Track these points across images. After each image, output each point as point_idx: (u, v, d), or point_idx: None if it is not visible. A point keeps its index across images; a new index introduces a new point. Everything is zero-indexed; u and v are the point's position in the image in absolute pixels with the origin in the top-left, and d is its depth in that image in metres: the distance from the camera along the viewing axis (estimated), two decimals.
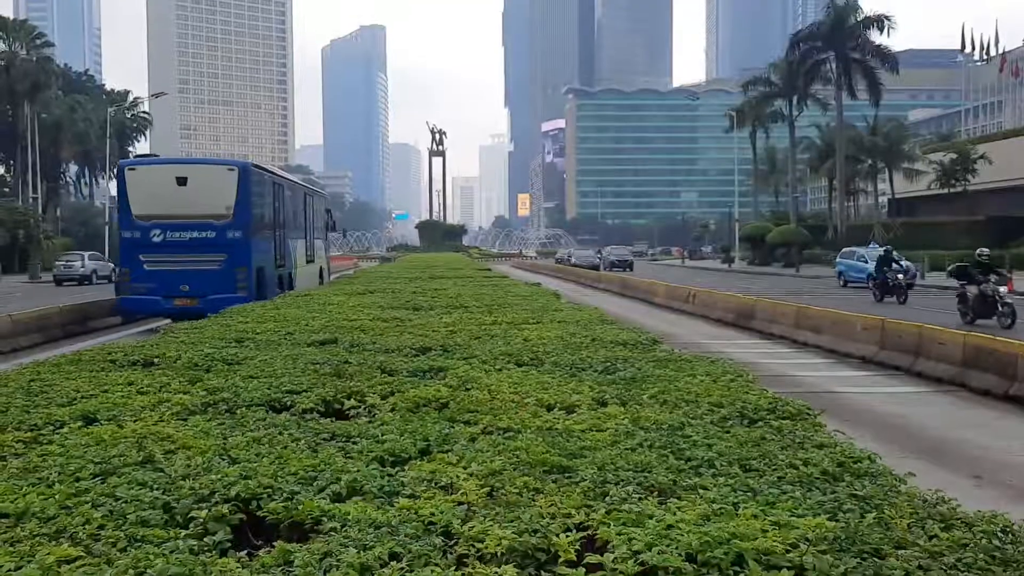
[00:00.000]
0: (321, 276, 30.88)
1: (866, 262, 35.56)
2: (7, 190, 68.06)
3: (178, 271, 20.01)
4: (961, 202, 55.87)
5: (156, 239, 20.21)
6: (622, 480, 3.73)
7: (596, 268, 50.98)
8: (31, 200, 62.15)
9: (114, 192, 36.46)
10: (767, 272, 56.72)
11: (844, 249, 41.39)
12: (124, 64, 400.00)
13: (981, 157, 55.77)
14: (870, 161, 65.37)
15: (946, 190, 57.45)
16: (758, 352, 16.35)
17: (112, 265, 41.12)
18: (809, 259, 59.38)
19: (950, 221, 53.94)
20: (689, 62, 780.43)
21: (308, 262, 28.57)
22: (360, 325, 10.73)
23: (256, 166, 23.34)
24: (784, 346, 17.37)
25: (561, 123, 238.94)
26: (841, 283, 38.59)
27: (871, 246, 39.39)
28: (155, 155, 32.60)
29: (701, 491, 3.57)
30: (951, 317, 19.87)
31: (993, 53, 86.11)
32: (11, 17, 72.18)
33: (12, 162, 69.52)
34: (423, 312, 12.97)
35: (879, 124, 66.61)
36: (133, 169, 22.14)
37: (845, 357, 15.26)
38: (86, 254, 48.17)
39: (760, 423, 5.03)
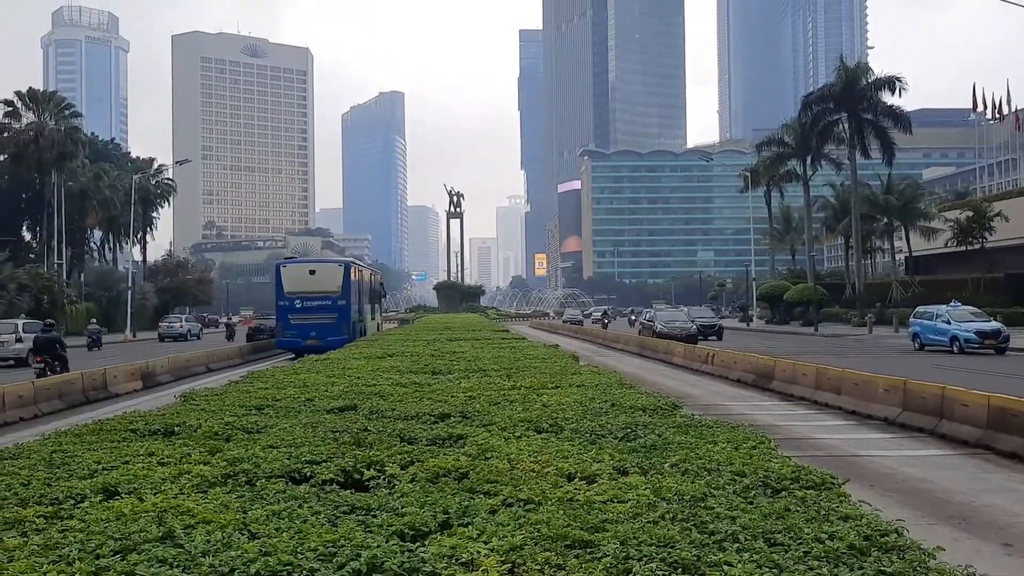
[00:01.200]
0: (378, 327, 45.19)
1: (948, 323, 32.73)
2: (33, 256, 69.03)
3: (309, 323, 33.37)
4: (979, 260, 55.54)
5: (297, 306, 33.92)
6: (645, 556, 3.68)
7: (693, 340, 36.34)
8: (56, 266, 63.00)
9: (137, 257, 65.07)
10: (786, 331, 56.38)
11: (919, 308, 37.36)
12: (149, 132, 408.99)
13: (998, 215, 55.59)
14: (885, 220, 65.34)
15: (963, 248, 57.16)
16: (779, 414, 16.17)
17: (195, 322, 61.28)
18: (827, 317, 59.07)
19: (969, 279, 53.59)
20: (702, 123, 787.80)
21: (372, 317, 42.86)
22: (379, 390, 10.74)
23: (352, 263, 38.74)
24: (805, 407, 17.17)
25: (577, 184, 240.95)
26: (916, 346, 34.98)
27: (953, 304, 35.44)
28: (293, 256, 53.22)
29: (726, 567, 3.52)
30: None
31: (1005, 111, 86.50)
32: (41, 89, 74.05)
33: (39, 228, 70.68)
34: (442, 376, 12.97)
35: (893, 183, 66.71)
36: (284, 266, 36.24)
37: (867, 418, 15.06)
38: (183, 316, 61.09)
39: (784, 493, 4.95)
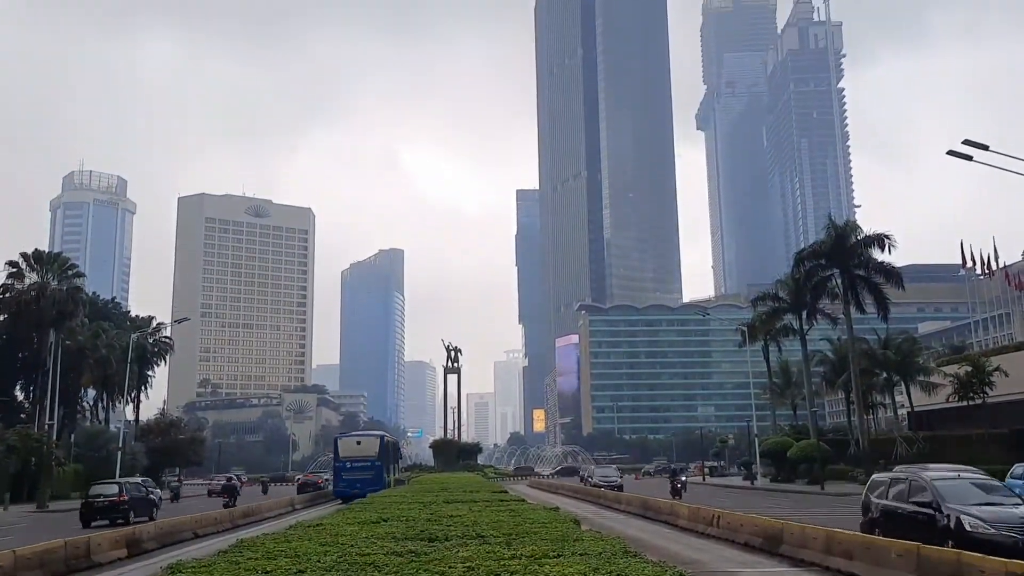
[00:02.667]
0: (399, 481, 53.94)
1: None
2: (24, 416, 68.23)
3: (356, 478, 46.53)
4: (982, 415, 55.02)
5: (348, 466, 48.80)
6: None
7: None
8: (47, 426, 62.17)
9: (129, 416, 72.98)
10: (792, 490, 55.15)
11: (1017, 466, 32.64)
12: (151, 290, 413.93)
13: (996, 369, 55.55)
14: (885, 374, 65.22)
15: (965, 403, 56.78)
16: None
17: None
18: (833, 475, 57.88)
19: (972, 435, 52.91)
20: (697, 277, 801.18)
21: (394, 474, 55.66)
22: (373, 560, 10.27)
23: (384, 436, 56.85)
24: (815, 574, 16.50)
25: (575, 339, 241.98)
26: None
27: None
28: (346, 432, 78.55)
29: None
30: None
31: (994, 267, 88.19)
32: (47, 250, 75.46)
33: (32, 388, 70.21)
34: (439, 543, 12.46)
35: (890, 337, 67.03)
36: (340, 439, 54.75)
37: None
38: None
39: None
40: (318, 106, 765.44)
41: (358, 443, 51.83)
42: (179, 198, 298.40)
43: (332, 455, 53.95)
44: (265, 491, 65.33)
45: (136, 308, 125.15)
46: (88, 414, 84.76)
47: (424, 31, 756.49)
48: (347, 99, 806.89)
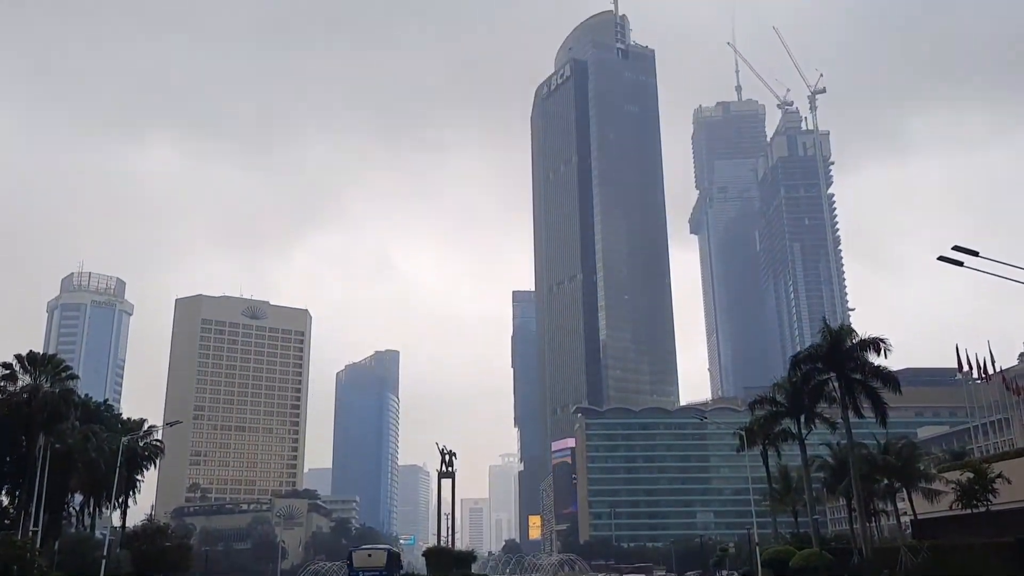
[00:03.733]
0: None
1: None
2: (7, 522, 66.60)
3: None
4: (986, 523, 54.00)
5: (360, 574, 61.27)
6: None
7: None
8: (31, 533, 60.63)
9: (116, 522, 75.28)
10: None
11: None
12: (144, 391, 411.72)
13: (999, 476, 54.86)
14: (886, 480, 64.28)
15: (968, 510, 55.83)
16: None
17: None
18: None
19: (978, 544, 51.73)
20: (694, 379, 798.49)
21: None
22: None
23: (390, 549, 71.96)
24: None
25: (571, 442, 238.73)
26: None
27: None
28: (360, 545, 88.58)
29: None
30: None
31: (991, 371, 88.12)
32: (42, 351, 75.12)
33: (18, 492, 68.76)
34: None
35: (890, 442, 66.35)
36: (354, 551, 67.30)
37: None
38: None
39: None
40: (315, 209, 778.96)
41: (369, 555, 64.51)
42: (176, 299, 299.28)
43: (346, 564, 67.63)
44: None
45: (128, 410, 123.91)
46: (74, 520, 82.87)
47: (420, 137, 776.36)
48: (343, 203, 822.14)
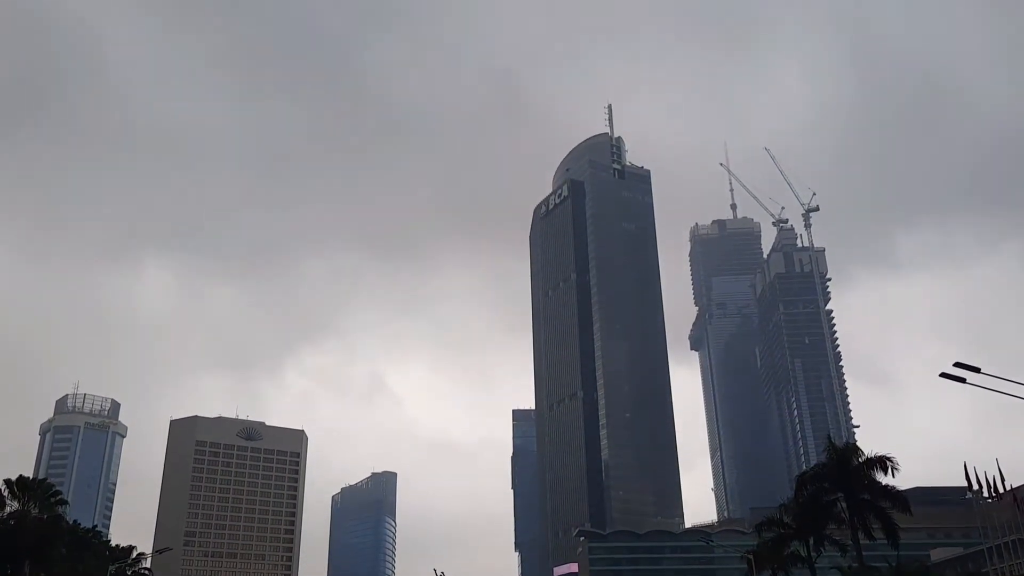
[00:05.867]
0: None
1: None
2: None
3: None
4: None
5: None
6: None
7: None
8: None
9: None
10: None
11: None
12: (134, 513, 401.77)
13: None
14: None
15: None
16: None
17: None
18: None
19: None
20: (698, 499, 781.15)
21: None
22: None
23: None
24: None
25: (573, 567, 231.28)
26: None
27: None
28: None
29: None
30: None
31: (1001, 490, 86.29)
32: (32, 475, 73.85)
33: None
34: None
35: (903, 564, 64.25)
36: None
37: None
38: None
39: None
40: (308, 329, 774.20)
41: None
42: (171, 421, 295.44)
43: None
44: None
45: (118, 535, 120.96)
46: None
47: (414, 257, 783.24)
48: (336, 323, 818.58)
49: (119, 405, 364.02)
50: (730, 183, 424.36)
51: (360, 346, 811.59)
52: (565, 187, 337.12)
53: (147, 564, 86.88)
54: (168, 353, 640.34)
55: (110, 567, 68.15)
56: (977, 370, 33.85)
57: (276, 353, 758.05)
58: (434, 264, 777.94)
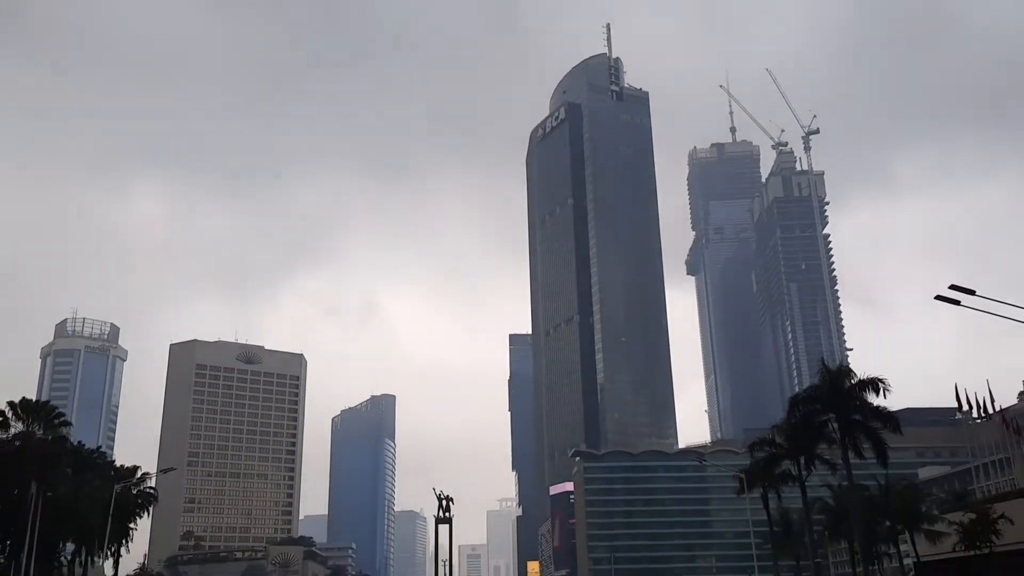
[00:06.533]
0: None
1: None
2: None
3: None
4: (991, 565, 53.33)
5: None
6: None
7: None
8: None
9: (108, 572, 70.48)
10: None
11: None
12: (138, 438, 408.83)
13: (1001, 517, 54.28)
14: (888, 523, 63.57)
15: (972, 553, 55.16)
16: None
17: None
18: None
19: None
20: (692, 421, 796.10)
21: None
22: None
23: None
24: None
25: (569, 486, 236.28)
26: None
27: None
28: None
29: None
30: None
31: (990, 410, 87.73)
32: (35, 398, 74.66)
33: (8, 541, 67.77)
34: None
35: (891, 483, 65.70)
36: None
37: None
38: None
39: None
40: (302, 252, 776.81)
41: None
42: (171, 345, 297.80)
43: None
44: None
45: (121, 456, 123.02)
46: (66, 570, 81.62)
47: (409, 179, 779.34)
48: (331, 246, 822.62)
49: (118, 329, 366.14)
50: (730, 105, 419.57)
51: (354, 270, 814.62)
52: (562, 110, 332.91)
53: (152, 483, 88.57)
54: (162, 277, 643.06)
55: (116, 486, 69.43)
56: (972, 292, 34.00)
57: (270, 277, 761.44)
58: (429, 187, 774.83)
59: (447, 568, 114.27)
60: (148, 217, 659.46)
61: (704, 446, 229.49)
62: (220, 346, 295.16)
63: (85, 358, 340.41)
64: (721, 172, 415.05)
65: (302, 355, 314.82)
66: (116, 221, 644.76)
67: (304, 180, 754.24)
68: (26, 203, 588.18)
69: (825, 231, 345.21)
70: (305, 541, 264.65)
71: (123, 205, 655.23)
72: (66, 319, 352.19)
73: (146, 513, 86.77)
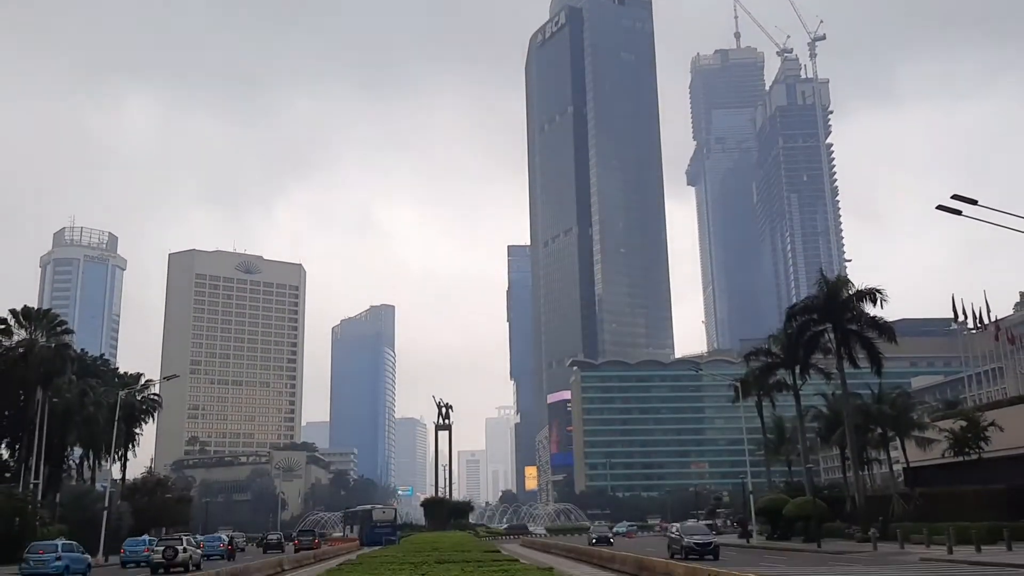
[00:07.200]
0: (390, 541, 67.05)
1: None
2: (8, 475, 67.01)
3: (381, 532, 75.04)
4: (978, 471, 54.59)
5: (376, 528, 77.64)
6: None
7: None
8: (32, 486, 61.04)
9: (116, 475, 78.44)
10: (788, 548, 54.39)
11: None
12: (140, 347, 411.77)
13: (991, 424, 55.30)
14: (880, 430, 64.79)
15: (961, 458, 56.40)
16: None
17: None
18: (829, 532, 57.11)
19: (969, 491, 52.34)
20: (689, 332, 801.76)
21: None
22: None
23: (395, 509, 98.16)
24: None
25: (567, 395, 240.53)
26: None
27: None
28: (375, 505, 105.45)
29: None
30: None
31: (986, 321, 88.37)
32: (36, 306, 74.95)
33: (17, 446, 69.06)
34: None
35: (884, 392, 66.61)
36: (371, 510, 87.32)
37: None
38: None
39: None
40: (297, 163, 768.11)
41: (383, 512, 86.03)
42: (170, 254, 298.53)
43: (355, 517, 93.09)
44: (266, 551, 70.91)
45: (124, 365, 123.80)
46: (74, 473, 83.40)
47: (405, 87, 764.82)
48: (326, 156, 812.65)
49: (117, 238, 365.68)
50: (735, 10, 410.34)
51: (350, 182, 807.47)
52: (562, 14, 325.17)
53: (156, 390, 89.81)
54: (157, 187, 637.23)
55: (120, 392, 70.32)
56: (974, 202, 33.74)
57: (265, 188, 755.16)
58: (424, 95, 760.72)
59: (447, 473, 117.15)
60: (137, 127, 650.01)
61: (700, 356, 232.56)
62: (219, 256, 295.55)
63: (84, 267, 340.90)
64: (724, 80, 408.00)
65: (301, 265, 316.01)
66: (110, 133, 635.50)
67: (298, 91, 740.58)
68: (20, 113, 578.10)
69: (828, 141, 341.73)
70: (308, 447, 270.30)
71: (112, 115, 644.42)
72: (64, 228, 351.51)
73: (151, 419, 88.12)
